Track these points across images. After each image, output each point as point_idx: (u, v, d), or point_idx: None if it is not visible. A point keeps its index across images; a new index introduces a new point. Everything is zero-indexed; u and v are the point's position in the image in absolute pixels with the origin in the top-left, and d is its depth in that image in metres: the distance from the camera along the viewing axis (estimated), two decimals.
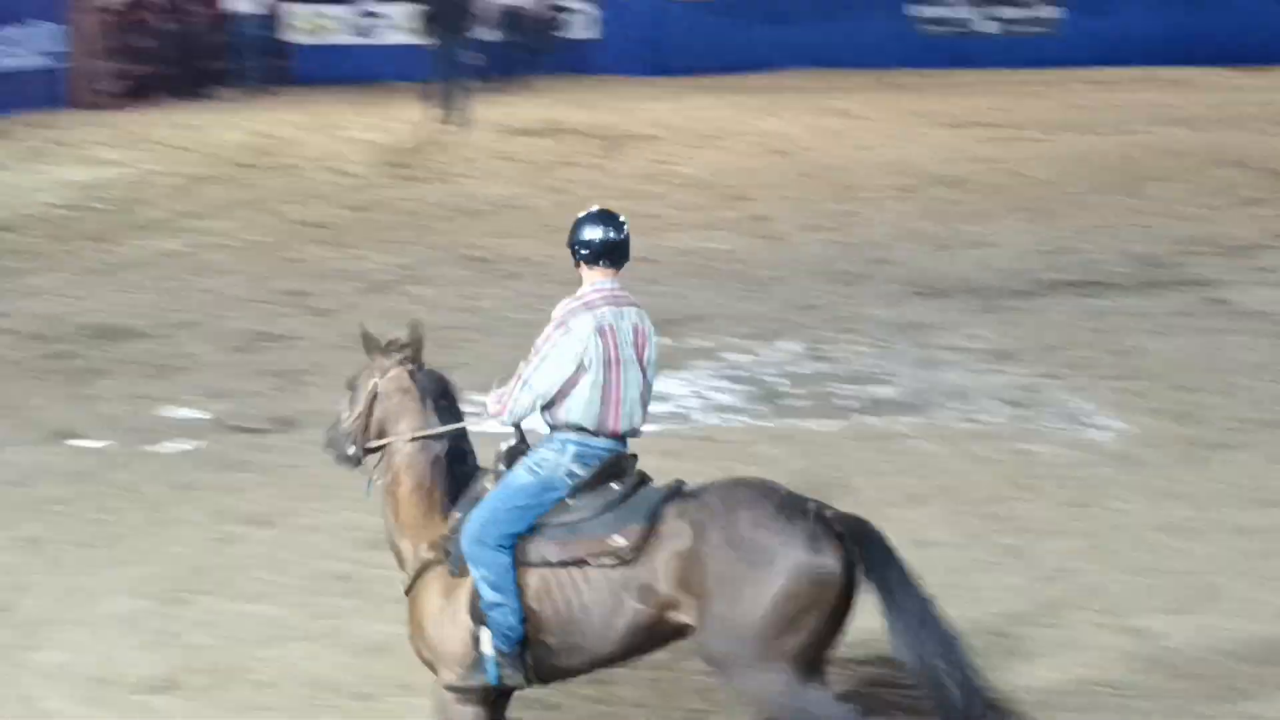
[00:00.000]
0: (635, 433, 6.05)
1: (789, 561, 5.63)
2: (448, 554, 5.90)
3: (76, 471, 9.32)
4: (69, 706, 6.66)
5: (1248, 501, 8.69)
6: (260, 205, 16.66)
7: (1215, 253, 14.32)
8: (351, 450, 6.24)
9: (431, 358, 6.23)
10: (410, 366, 6.22)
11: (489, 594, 5.80)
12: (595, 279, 6.03)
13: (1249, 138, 19.73)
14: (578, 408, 5.96)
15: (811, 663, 5.66)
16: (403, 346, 6.26)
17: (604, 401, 5.97)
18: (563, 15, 26.78)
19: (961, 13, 26.45)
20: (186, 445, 9.78)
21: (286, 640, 7.18)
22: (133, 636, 7.21)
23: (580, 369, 5.90)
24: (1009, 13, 26.86)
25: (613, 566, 5.77)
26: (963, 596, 7.54)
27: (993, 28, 26.80)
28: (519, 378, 5.94)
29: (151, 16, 25.60)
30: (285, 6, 26.98)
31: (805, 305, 12.70)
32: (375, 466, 6.15)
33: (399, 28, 26.65)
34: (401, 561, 6.06)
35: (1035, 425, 9.99)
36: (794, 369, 11.17)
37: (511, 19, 25.54)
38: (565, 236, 6.08)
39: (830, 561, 5.63)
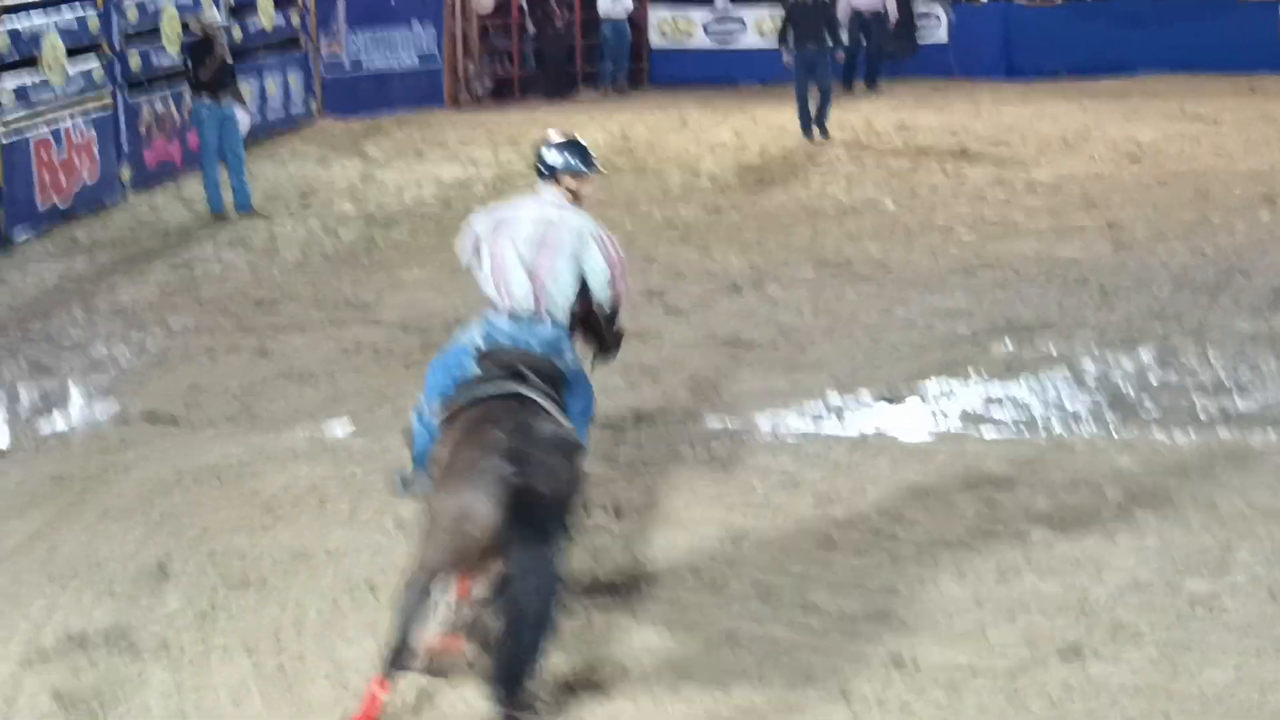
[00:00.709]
0: (535, 315, 7.26)
1: (467, 487, 6.41)
2: None
3: None
4: None
5: None
6: (620, 205, 16.90)
7: None
8: None
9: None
10: None
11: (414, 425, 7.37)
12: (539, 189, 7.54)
13: None
14: (486, 286, 7.42)
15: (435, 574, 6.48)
16: None
17: (495, 284, 7.36)
18: (919, 19, 26.63)
19: None
20: None
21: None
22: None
23: (475, 253, 7.47)
24: None
25: None
26: None
27: None
28: None
29: (521, 21, 26.39)
30: (647, 10, 27.44)
31: (1160, 314, 12.42)
32: None
33: (756, 31, 26.90)
34: None
35: None
36: (1147, 379, 10.95)
37: (866, 23, 25.50)
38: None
39: (484, 504, 6.33)
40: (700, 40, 27.60)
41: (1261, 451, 9.57)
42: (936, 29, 26.80)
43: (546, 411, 6.83)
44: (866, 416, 10.43)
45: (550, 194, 7.54)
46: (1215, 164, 18.62)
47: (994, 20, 26.73)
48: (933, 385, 10.93)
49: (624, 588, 7.82)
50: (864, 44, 25.29)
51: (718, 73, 26.74)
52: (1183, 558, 8.08)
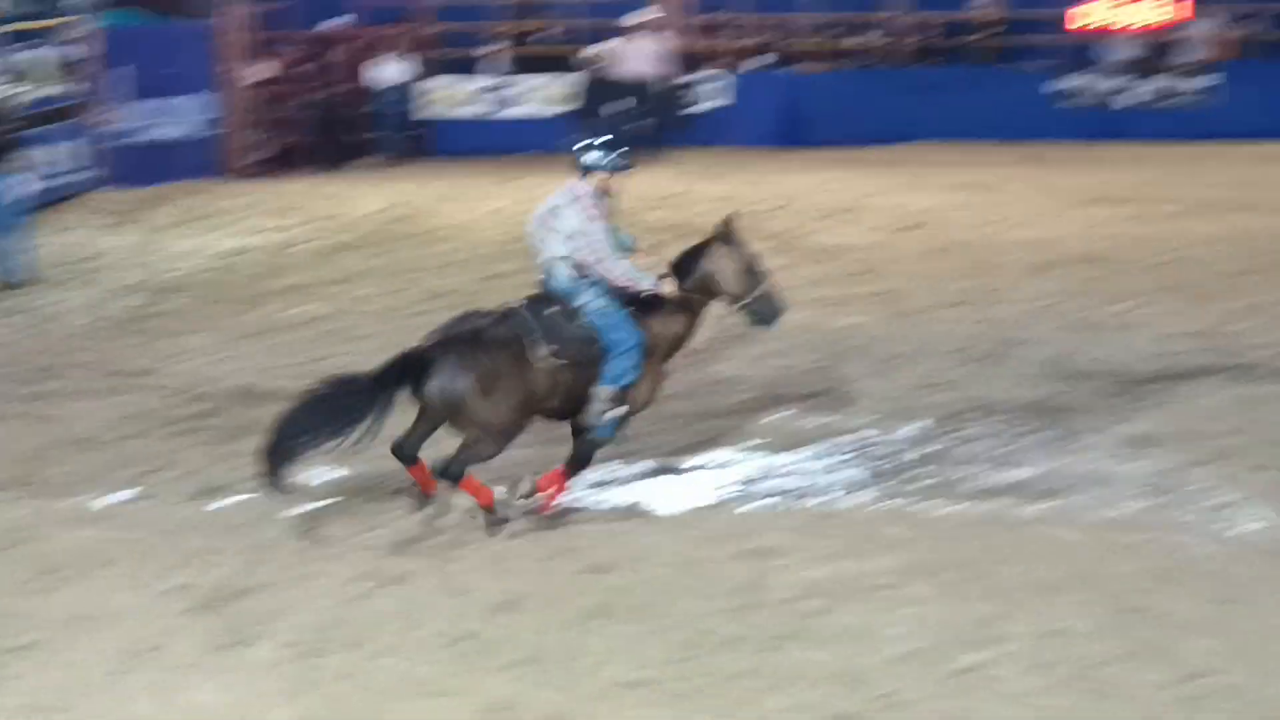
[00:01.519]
0: (548, 280, 9.96)
1: None
2: None
3: (223, 525, 9.73)
4: None
5: None
6: (398, 274, 16.88)
7: None
8: None
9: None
10: None
11: None
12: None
13: None
14: None
15: None
16: None
17: None
18: (694, 86, 26.70)
19: (1107, 83, 26.03)
20: (326, 502, 10.05)
21: (418, 696, 7.46)
22: (274, 683, 7.53)
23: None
24: (1159, 83, 26.31)
25: None
26: (1097, 690, 7.31)
27: (1141, 99, 26.29)
28: None
29: (298, 89, 26.12)
30: (424, 80, 27.27)
31: (937, 384, 12.45)
32: None
33: (534, 100, 26.83)
34: None
35: (1179, 515, 9.64)
36: (923, 449, 10.94)
37: (643, 92, 25.50)
38: None
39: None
40: (480, 109, 27.46)
41: (1033, 521, 9.56)
42: (718, 97, 26.90)
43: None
44: (640, 486, 10.39)
45: (577, 186, 9.98)
46: (994, 232, 18.80)
47: (775, 89, 26.87)
48: (707, 455, 10.91)
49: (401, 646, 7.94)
50: (642, 112, 25.25)
51: (498, 142, 26.59)
52: (954, 628, 8.02)
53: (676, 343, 10.16)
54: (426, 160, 26.30)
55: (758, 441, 11.13)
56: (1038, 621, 8.06)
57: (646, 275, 9.91)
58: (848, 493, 10.17)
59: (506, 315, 9.79)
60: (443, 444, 9.66)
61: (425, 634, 8.12)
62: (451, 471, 9.59)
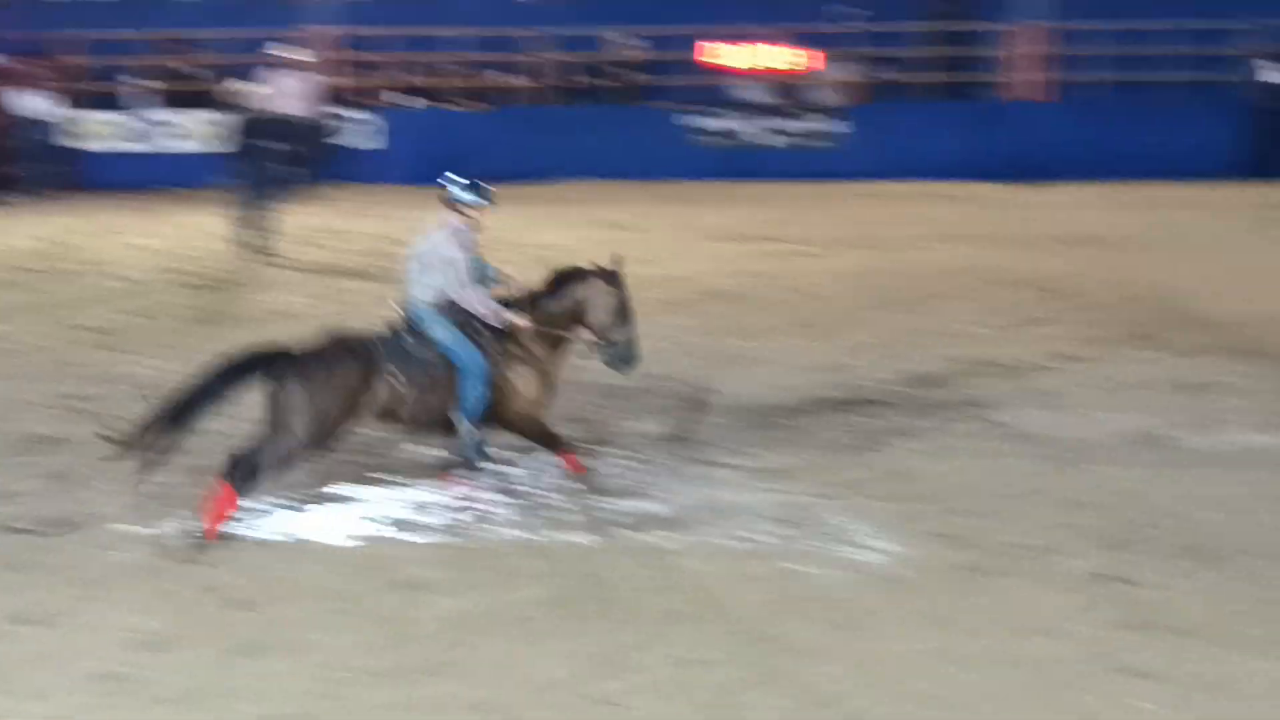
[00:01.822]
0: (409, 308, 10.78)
1: None
2: None
3: None
4: None
5: (1019, 629, 8.79)
6: (43, 310, 16.66)
7: (995, 373, 14.40)
8: None
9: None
10: None
11: None
12: None
13: (1033, 256, 19.90)
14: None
15: None
16: None
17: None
18: (341, 124, 26.73)
19: (739, 125, 26.86)
20: None
21: None
22: None
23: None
24: (789, 125, 27.28)
25: None
26: (730, 717, 7.63)
27: (772, 140, 27.18)
28: None
29: None
30: (72, 112, 26.73)
31: (575, 418, 12.67)
32: None
33: (183, 136, 26.54)
34: None
35: (806, 545, 10.06)
36: (559, 482, 11.16)
37: (292, 129, 25.38)
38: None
39: None
40: (130, 144, 27.05)
41: (668, 552, 9.91)
42: (367, 135, 26.99)
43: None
44: (290, 518, 10.42)
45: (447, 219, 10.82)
46: (631, 269, 19.13)
47: (424, 127, 27.06)
48: (355, 488, 10.98)
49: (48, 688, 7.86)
50: (294, 150, 25.14)
51: (149, 176, 26.25)
52: (592, 658, 8.31)
53: (544, 371, 10.96)
54: (77, 195, 25.78)
55: (407, 475, 11.25)
56: (672, 650, 8.40)
57: (500, 308, 10.78)
58: (492, 526, 10.36)
59: (360, 338, 10.56)
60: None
61: (73, 675, 8.09)
62: (241, 470, 10.02)
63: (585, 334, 11.14)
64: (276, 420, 10.12)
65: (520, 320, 10.83)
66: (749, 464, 11.68)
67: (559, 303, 11.03)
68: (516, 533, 10.26)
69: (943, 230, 21.86)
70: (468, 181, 10.87)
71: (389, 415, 10.58)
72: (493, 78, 27.98)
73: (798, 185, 25.69)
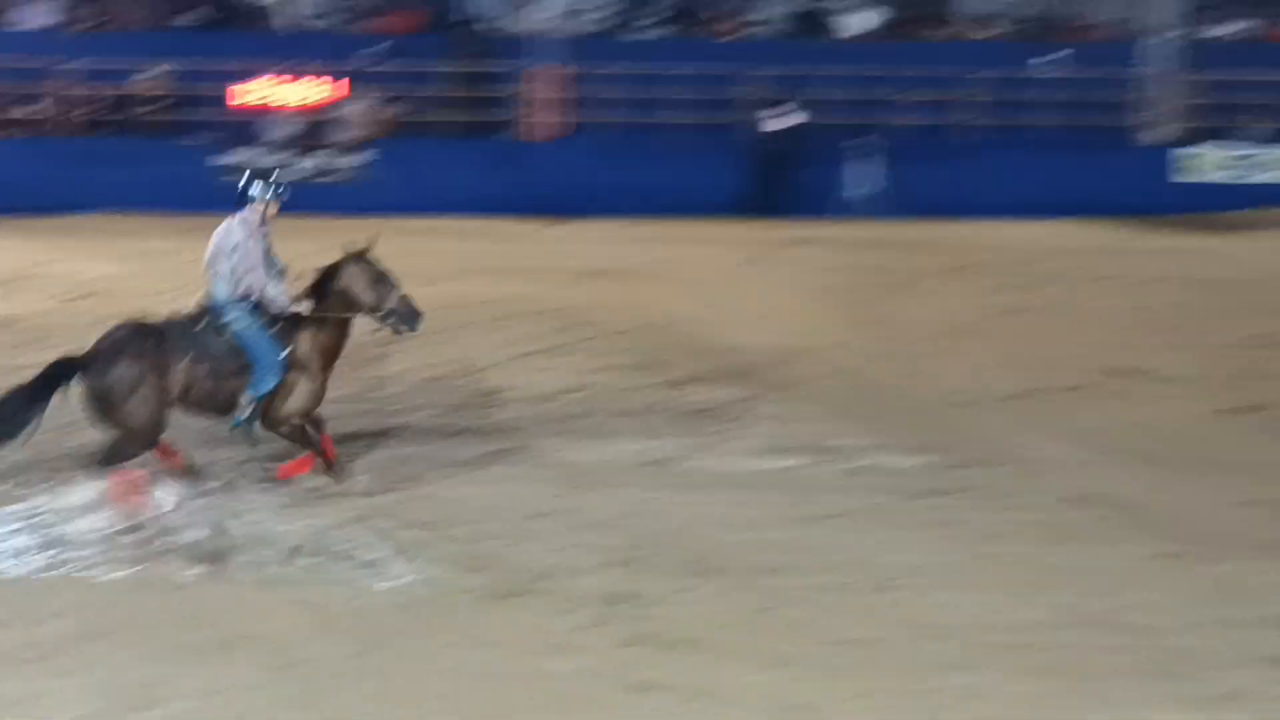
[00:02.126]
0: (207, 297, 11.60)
1: None
2: None
3: None
4: None
5: (536, 648, 9.26)
6: None
7: (515, 401, 14.93)
8: None
9: None
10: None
11: None
12: None
13: (551, 288, 20.35)
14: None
15: None
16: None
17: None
18: None
19: (270, 159, 26.85)
20: None
21: None
22: None
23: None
24: (318, 159, 27.41)
25: None
26: None
27: (302, 174, 27.22)
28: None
29: None
30: None
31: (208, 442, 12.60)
32: None
33: None
34: None
35: (332, 572, 10.37)
36: (85, 519, 11.05)
37: None
38: None
39: None
40: None
41: (199, 583, 10.13)
42: None
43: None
44: None
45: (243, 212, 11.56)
46: (164, 300, 18.73)
47: None
48: None
49: None
50: None
51: None
52: (124, 691, 8.46)
53: (328, 354, 11.82)
54: None
55: None
56: (203, 680, 8.62)
57: (287, 297, 11.61)
58: (20, 559, 10.37)
59: (157, 327, 11.39)
60: None
61: None
62: (100, 463, 11.18)
63: (363, 313, 11.92)
64: (102, 416, 11.20)
65: (305, 306, 11.65)
66: (276, 494, 11.84)
67: (329, 296, 11.79)
68: (45, 566, 10.28)
69: (464, 264, 22.15)
70: (264, 175, 11.85)
71: (186, 399, 11.42)
72: (18, 108, 27.31)
73: (327, 219, 25.53)
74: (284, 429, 11.87)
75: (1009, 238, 21.96)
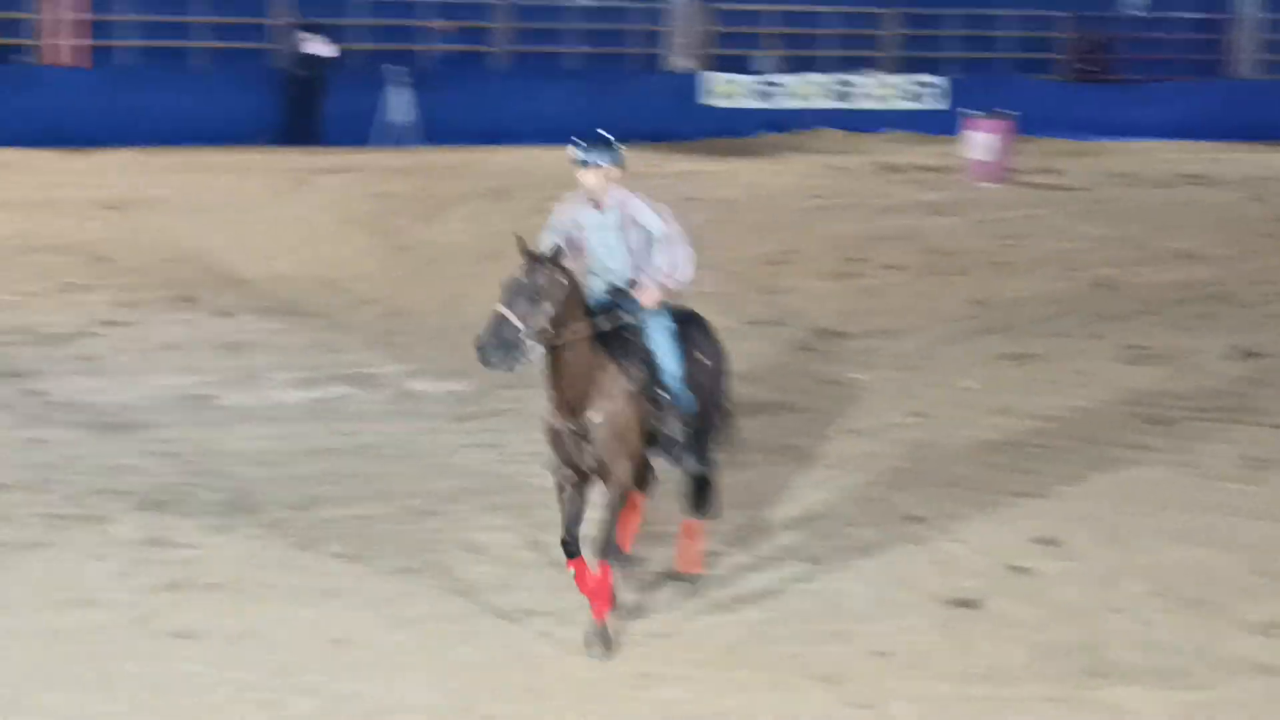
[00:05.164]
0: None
1: None
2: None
3: None
4: None
5: (61, 602, 8.83)
6: None
7: (33, 341, 14.35)
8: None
9: None
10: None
11: None
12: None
13: (72, 222, 19.64)
14: None
15: None
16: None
17: None
18: None
19: None
20: None
21: None
22: None
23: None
24: None
25: None
26: None
27: None
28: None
29: None
30: None
31: None
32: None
33: None
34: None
35: None
36: None
37: None
38: None
39: None
40: None
41: None
42: None
43: None
44: None
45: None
46: None
47: None
48: None
49: None
50: None
51: None
52: None
53: None
54: None
55: None
56: None
57: None
58: None
59: None
60: None
61: None
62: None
63: None
64: None
65: None
66: None
67: None
68: None
69: None
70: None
71: None
72: None
73: None
74: None
75: (541, 163, 22.09)
